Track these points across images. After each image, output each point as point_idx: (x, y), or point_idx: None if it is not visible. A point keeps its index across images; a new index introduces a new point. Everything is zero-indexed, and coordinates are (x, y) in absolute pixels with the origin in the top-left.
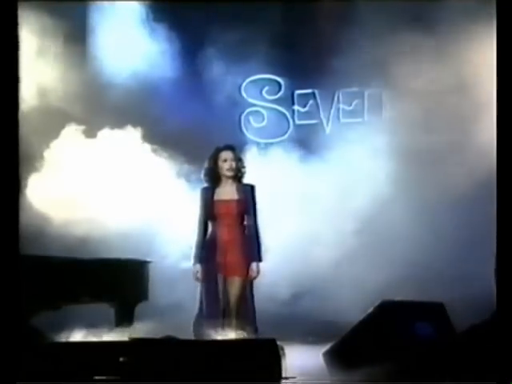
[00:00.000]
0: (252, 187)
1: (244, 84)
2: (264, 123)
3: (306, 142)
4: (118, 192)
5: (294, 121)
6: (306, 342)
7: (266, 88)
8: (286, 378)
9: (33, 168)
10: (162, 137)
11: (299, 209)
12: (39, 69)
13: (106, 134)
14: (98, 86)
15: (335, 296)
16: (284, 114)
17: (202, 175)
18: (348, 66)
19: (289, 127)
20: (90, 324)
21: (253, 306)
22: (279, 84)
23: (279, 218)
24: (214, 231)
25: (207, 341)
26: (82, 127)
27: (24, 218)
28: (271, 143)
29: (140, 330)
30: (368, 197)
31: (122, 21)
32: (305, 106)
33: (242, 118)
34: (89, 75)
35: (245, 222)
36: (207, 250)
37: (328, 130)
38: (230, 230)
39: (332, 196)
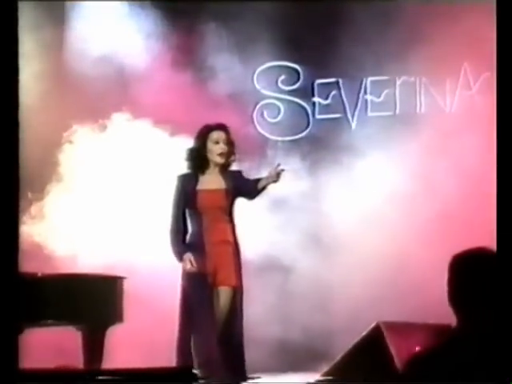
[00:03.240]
0: (240, 172)
1: (257, 72)
2: (280, 118)
3: (328, 139)
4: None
5: (314, 115)
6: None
7: (282, 77)
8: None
9: None
10: (165, 133)
11: (312, 216)
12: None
13: (112, 130)
14: (96, 78)
15: (328, 318)
16: (303, 107)
17: (185, 158)
18: (376, 50)
19: (308, 122)
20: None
21: (241, 324)
22: (297, 72)
23: (287, 223)
24: (196, 230)
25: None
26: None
27: None
28: (288, 141)
29: (113, 357)
30: (390, 206)
31: (120, 8)
32: (327, 98)
33: (255, 111)
34: (84, 69)
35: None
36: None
37: (354, 125)
38: (218, 228)
39: (351, 202)
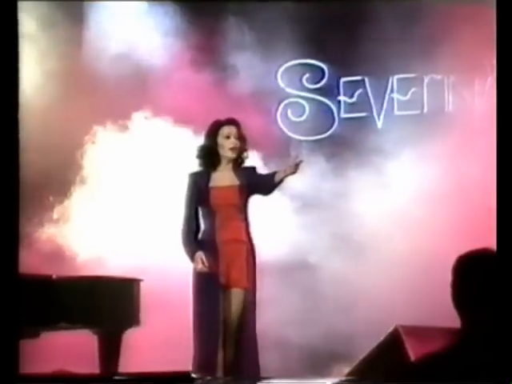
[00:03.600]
0: (254, 168)
1: (280, 70)
2: (304, 117)
3: (354, 138)
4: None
5: (339, 114)
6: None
7: (307, 75)
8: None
9: None
10: (187, 133)
11: (337, 216)
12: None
13: (133, 131)
14: (115, 78)
15: (346, 321)
16: (328, 106)
17: (196, 155)
18: (403, 48)
19: (334, 121)
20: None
21: (254, 326)
22: (322, 70)
23: (312, 224)
24: (209, 229)
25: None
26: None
27: None
28: (313, 140)
29: (130, 361)
30: (418, 206)
31: (139, 6)
32: (352, 96)
33: (279, 110)
34: (102, 68)
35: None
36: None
37: (380, 124)
38: (231, 226)
39: (378, 202)
